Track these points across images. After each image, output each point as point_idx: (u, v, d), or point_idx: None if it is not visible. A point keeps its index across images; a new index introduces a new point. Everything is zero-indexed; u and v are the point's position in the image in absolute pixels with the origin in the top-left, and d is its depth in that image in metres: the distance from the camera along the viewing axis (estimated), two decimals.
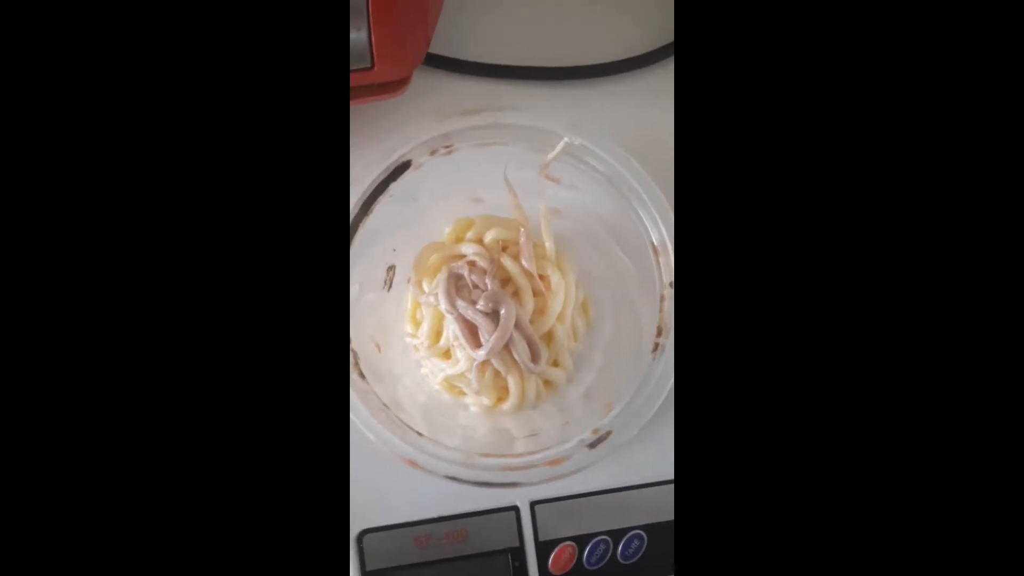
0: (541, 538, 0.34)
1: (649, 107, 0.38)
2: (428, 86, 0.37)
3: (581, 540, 0.35)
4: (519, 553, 0.34)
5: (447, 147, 0.29)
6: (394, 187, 0.29)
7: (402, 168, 0.29)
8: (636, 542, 0.35)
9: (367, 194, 0.28)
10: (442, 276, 0.33)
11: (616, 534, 0.35)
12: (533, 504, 0.35)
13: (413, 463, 0.27)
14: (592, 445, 0.28)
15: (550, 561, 0.35)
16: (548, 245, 0.34)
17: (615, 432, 0.28)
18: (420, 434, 0.28)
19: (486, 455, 0.28)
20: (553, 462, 0.27)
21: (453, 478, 0.27)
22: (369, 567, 0.34)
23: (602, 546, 0.35)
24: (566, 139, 0.29)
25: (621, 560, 0.35)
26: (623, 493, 0.35)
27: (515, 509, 0.35)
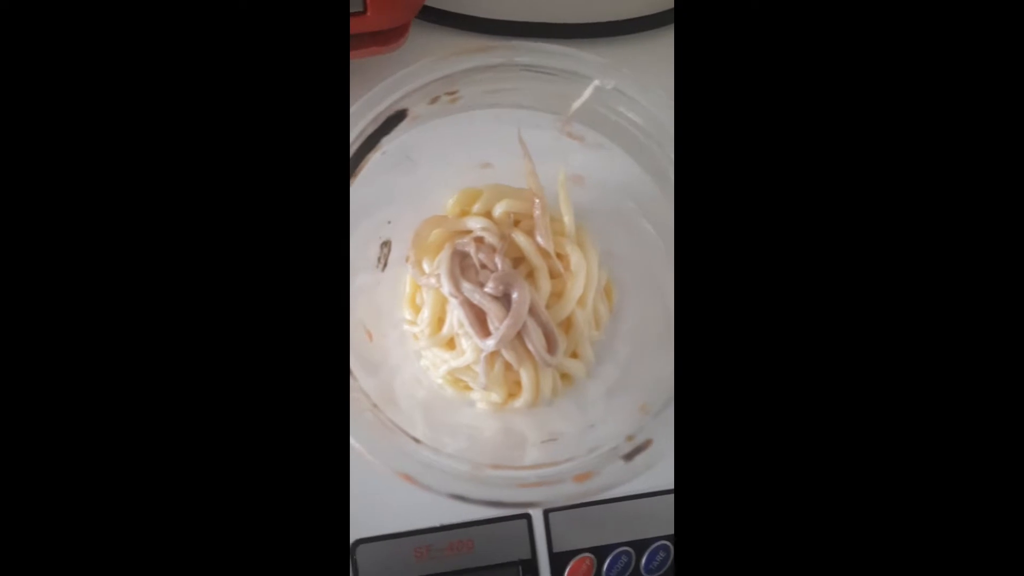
0: (556, 549, 0.33)
1: None
2: (429, 44, 0.34)
3: (600, 552, 0.33)
4: (531, 566, 0.32)
5: (450, 94, 0.25)
6: (386, 142, 0.25)
7: (396, 119, 0.25)
8: (661, 554, 0.33)
9: (353, 151, 0.24)
10: (445, 255, 0.30)
11: (639, 545, 0.33)
12: (547, 512, 0.33)
13: (409, 477, 0.23)
14: (628, 456, 0.24)
15: (566, 574, 0.32)
16: (567, 219, 0.31)
17: (657, 440, 0.24)
18: (417, 440, 0.24)
19: (497, 466, 0.24)
20: (581, 477, 0.24)
21: (459, 496, 0.23)
22: None
23: (624, 558, 0.33)
24: (596, 82, 0.25)
25: (645, 574, 0.33)
26: (647, 500, 0.33)
27: (527, 517, 0.33)
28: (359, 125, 0.24)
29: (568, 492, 0.24)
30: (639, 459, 0.24)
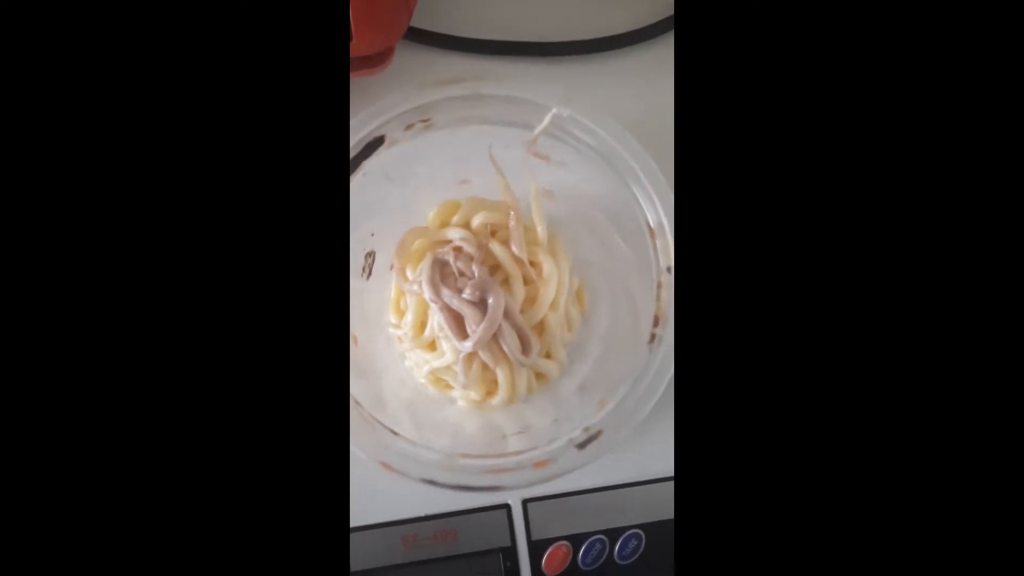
0: (534, 537, 0.33)
1: (647, 83, 0.37)
2: (412, 62, 0.36)
3: (576, 539, 0.34)
4: (511, 553, 0.33)
5: (424, 121, 0.27)
6: (367, 165, 0.27)
7: (374, 144, 0.27)
8: (634, 541, 0.34)
9: None
10: (426, 263, 0.32)
11: (613, 533, 0.34)
12: (525, 502, 0.33)
13: (387, 465, 0.25)
14: (582, 445, 0.26)
15: (543, 561, 0.33)
16: (540, 229, 0.33)
17: (606, 432, 0.26)
18: (395, 433, 0.26)
19: (467, 456, 0.26)
20: (539, 464, 0.25)
21: (430, 481, 0.25)
22: (353, 568, 0.33)
23: (598, 545, 0.34)
24: (554, 110, 0.27)
25: (618, 560, 0.34)
26: (620, 491, 0.34)
27: (507, 507, 0.34)
28: None
29: (528, 477, 0.25)
30: (590, 448, 0.25)
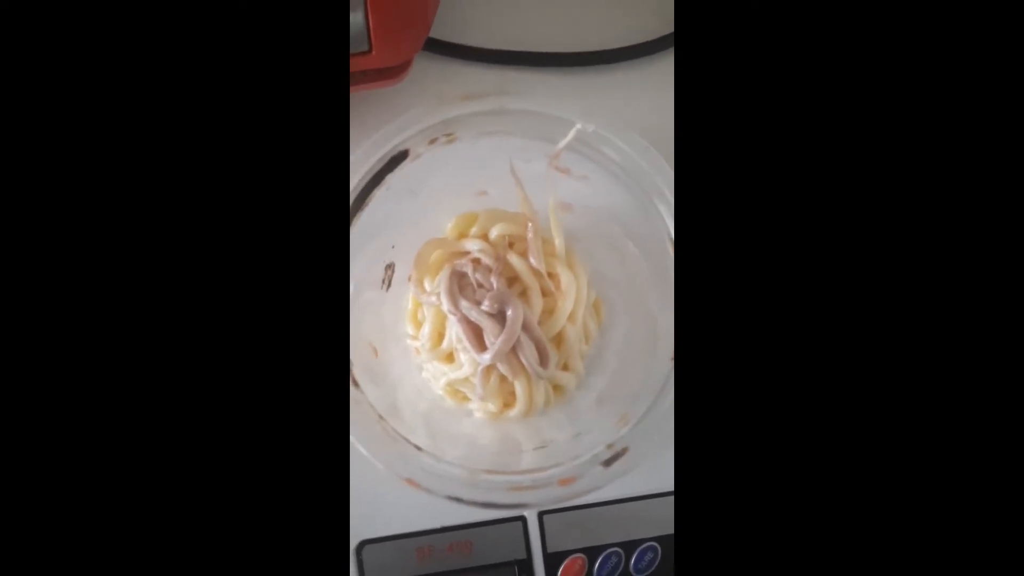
0: (550, 550, 0.33)
1: (664, 94, 0.36)
2: (430, 73, 0.36)
3: (592, 552, 0.34)
4: (526, 565, 0.33)
5: (448, 135, 0.27)
6: (390, 179, 0.27)
7: (399, 158, 0.27)
8: (650, 555, 0.34)
9: (361, 186, 0.26)
10: (444, 274, 0.32)
11: (629, 546, 0.34)
12: (541, 514, 0.34)
13: (412, 482, 0.25)
14: (607, 463, 0.26)
15: (559, 574, 0.33)
16: (558, 242, 0.33)
17: (632, 448, 0.26)
18: (419, 448, 0.26)
19: (491, 472, 0.26)
20: (565, 481, 0.25)
21: (456, 498, 0.25)
22: None
23: (614, 558, 0.34)
24: (579, 125, 0.27)
25: (634, 573, 0.34)
26: (636, 503, 0.34)
27: (522, 520, 0.34)
28: (366, 164, 0.26)
29: (554, 495, 0.25)
30: (616, 465, 0.25)
